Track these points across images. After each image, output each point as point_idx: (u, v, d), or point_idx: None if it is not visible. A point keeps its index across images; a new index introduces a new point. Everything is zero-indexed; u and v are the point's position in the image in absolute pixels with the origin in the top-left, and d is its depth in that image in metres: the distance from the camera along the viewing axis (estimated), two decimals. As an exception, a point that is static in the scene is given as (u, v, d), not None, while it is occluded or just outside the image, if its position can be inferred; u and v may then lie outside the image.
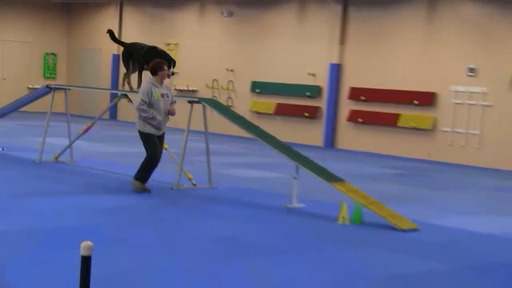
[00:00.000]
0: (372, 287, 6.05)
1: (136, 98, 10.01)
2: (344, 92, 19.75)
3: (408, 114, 18.28)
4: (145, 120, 9.89)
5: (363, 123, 19.23)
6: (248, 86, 22.00)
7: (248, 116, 20.61)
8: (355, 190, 9.38)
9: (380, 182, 12.93)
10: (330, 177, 9.55)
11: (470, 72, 17.13)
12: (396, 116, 18.53)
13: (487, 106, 16.88)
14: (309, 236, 8.01)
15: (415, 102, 17.99)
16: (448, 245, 7.99)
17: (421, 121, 17.99)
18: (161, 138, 10.15)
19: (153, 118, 9.85)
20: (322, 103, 20.22)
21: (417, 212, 9.67)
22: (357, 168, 14.89)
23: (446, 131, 17.56)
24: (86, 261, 3.91)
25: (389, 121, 18.68)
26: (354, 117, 19.44)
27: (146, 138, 10.01)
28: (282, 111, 21.09)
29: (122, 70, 25.86)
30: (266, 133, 10.42)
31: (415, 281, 6.32)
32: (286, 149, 9.98)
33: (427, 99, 17.87)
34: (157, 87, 9.96)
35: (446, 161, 17.25)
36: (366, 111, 19.22)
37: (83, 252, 3.92)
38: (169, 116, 10.20)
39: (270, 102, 21.37)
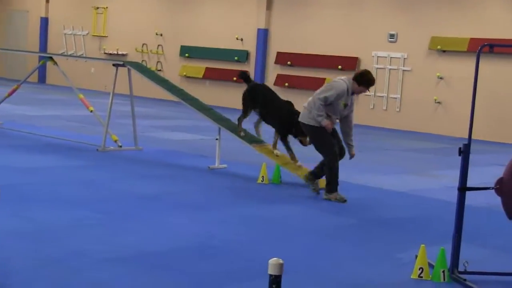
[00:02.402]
0: (286, 239, 6.49)
1: (323, 90, 8.29)
2: (271, 57, 20.15)
3: (332, 79, 18.79)
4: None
5: (289, 87, 19.69)
6: (177, 51, 22.15)
7: (178, 80, 20.85)
8: (274, 151, 9.78)
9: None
10: (251, 139, 9.94)
11: (391, 38, 17.74)
12: (322, 81, 19.02)
13: (407, 71, 17.55)
14: (231, 195, 8.40)
15: (339, 67, 18.53)
16: (360, 201, 8.50)
17: (345, 86, 18.52)
18: (333, 131, 8.46)
19: (322, 117, 8.19)
20: (250, 68, 20.57)
21: (334, 172, 10.15)
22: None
23: (369, 95, 18.16)
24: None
25: (315, 85, 19.07)
26: (281, 81, 19.87)
27: (316, 133, 8.30)
28: (211, 75, 21.36)
29: (52, 32, 25.90)
30: (190, 96, 10.71)
31: (325, 234, 6.79)
32: (208, 111, 10.29)
33: (350, 64, 18.43)
34: (347, 95, 8.24)
35: (368, 125, 17.89)
36: (292, 75, 19.68)
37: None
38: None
39: (199, 67, 21.60)
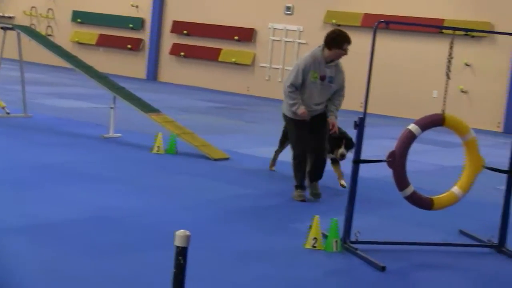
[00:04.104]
0: (183, 210, 6.46)
1: (288, 74, 7.23)
2: (167, 25, 19.91)
3: (229, 50, 18.81)
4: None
5: (185, 56, 19.54)
6: (69, 15, 21.52)
7: (69, 46, 20.27)
8: (170, 121, 9.72)
9: (198, 114, 13.38)
10: (147, 108, 9.82)
11: (287, 11, 17.90)
12: (218, 51, 19.00)
13: (302, 43, 17.76)
14: (126, 165, 8.27)
15: (236, 37, 18.53)
16: (255, 173, 8.56)
17: (241, 57, 18.59)
18: (317, 119, 7.24)
19: (296, 105, 7.07)
20: (145, 36, 20.27)
21: (230, 143, 10.21)
22: (177, 100, 15.25)
23: (264, 67, 18.30)
24: None
25: (211, 56, 19.12)
26: (176, 50, 19.70)
27: (289, 124, 7.38)
28: (105, 42, 20.90)
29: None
30: (83, 63, 10.45)
31: (222, 204, 6.80)
32: (103, 79, 10.09)
33: (247, 35, 18.47)
34: (320, 65, 7.01)
35: (263, 96, 18.02)
36: (188, 45, 19.53)
37: None
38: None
39: (92, 33, 21.08)
